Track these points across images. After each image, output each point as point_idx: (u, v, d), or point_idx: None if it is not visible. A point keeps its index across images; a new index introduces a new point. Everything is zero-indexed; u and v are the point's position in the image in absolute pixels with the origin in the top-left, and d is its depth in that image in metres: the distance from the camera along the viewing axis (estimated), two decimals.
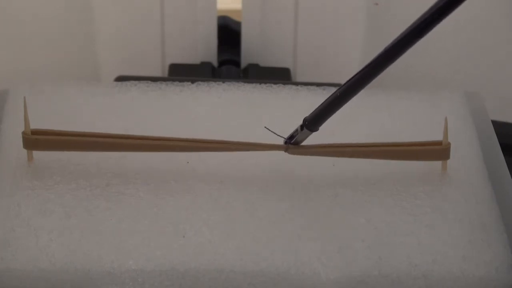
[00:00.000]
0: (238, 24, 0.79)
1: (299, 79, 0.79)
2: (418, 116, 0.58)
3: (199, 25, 0.77)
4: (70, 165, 0.52)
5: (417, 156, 0.53)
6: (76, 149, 0.52)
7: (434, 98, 0.59)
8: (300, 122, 0.51)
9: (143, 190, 0.51)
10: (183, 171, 0.53)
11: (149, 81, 0.59)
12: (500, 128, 0.59)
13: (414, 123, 0.57)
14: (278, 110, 0.58)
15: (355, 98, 0.47)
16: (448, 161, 0.53)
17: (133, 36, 0.77)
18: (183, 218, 0.50)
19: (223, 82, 0.60)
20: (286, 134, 0.52)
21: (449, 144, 0.53)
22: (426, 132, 0.54)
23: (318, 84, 0.60)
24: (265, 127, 0.52)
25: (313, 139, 0.51)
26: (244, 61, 0.79)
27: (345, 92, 0.47)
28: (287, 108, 0.58)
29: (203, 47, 0.78)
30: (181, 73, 0.76)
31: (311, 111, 0.50)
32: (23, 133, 0.52)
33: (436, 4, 0.41)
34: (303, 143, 0.52)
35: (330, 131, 0.51)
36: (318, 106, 0.49)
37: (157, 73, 0.79)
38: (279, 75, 0.76)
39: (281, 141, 0.52)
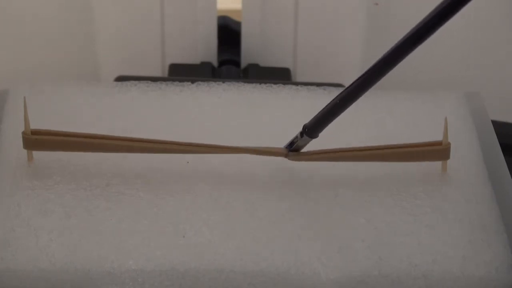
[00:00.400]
0: (238, 24, 0.79)
1: (299, 79, 0.79)
2: (418, 116, 0.58)
3: (199, 25, 0.77)
4: (70, 165, 0.52)
5: (417, 156, 0.53)
6: (76, 149, 0.52)
7: (434, 98, 0.59)
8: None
9: (143, 190, 0.51)
10: (183, 171, 0.53)
11: (149, 81, 0.59)
12: (500, 128, 0.59)
13: (414, 123, 0.57)
14: (278, 110, 0.58)
15: None
16: (448, 161, 0.53)
17: (133, 36, 0.77)
18: (183, 218, 0.50)
19: (223, 82, 0.60)
20: (286, 134, 0.52)
21: (449, 144, 0.53)
22: (426, 132, 0.54)
23: (318, 84, 0.60)
24: None
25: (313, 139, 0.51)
26: (244, 61, 0.79)
27: (344, 99, 0.47)
28: (287, 108, 0.58)
29: (203, 47, 0.78)
30: (181, 73, 0.76)
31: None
32: (23, 133, 0.52)
33: (434, 10, 0.41)
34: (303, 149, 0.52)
35: (330, 132, 0.51)
36: (318, 113, 0.49)
37: (157, 73, 0.79)
38: (279, 75, 0.76)
39: (281, 146, 0.52)
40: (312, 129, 0.50)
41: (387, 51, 0.44)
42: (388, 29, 0.77)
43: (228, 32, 0.79)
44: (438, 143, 0.53)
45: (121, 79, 0.66)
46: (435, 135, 0.53)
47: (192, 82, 0.60)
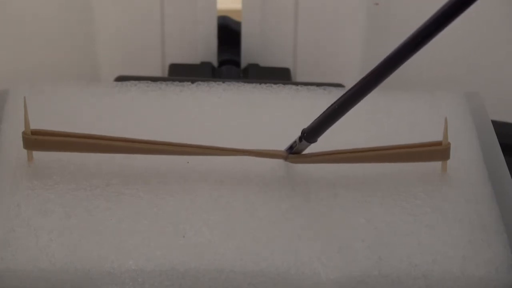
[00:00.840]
0: (238, 24, 0.79)
1: (299, 79, 0.79)
2: (418, 116, 0.58)
3: (199, 25, 0.77)
4: (70, 165, 0.52)
5: (417, 157, 0.53)
6: (76, 149, 0.52)
7: (434, 98, 0.59)
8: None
9: (143, 190, 0.51)
10: (183, 171, 0.53)
11: (149, 81, 0.59)
12: (500, 128, 0.59)
13: (414, 123, 0.57)
14: (278, 110, 0.58)
15: None
16: (448, 161, 0.53)
17: (133, 36, 0.77)
18: (183, 218, 0.50)
19: (223, 82, 0.60)
20: (286, 134, 0.52)
21: (449, 144, 0.53)
22: (426, 132, 0.54)
23: (318, 84, 0.60)
24: None
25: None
26: (244, 61, 0.79)
27: (343, 104, 0.47)
28: (287, 108, 0.58)
29: (203, 47, 0.78)
30: (181, 73, 0.76)
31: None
32: (23, 133, 0.52)
33: (431, 17, 0.41)
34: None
35: (329, 132, 0.50)
36: (316, 118, 0.49)
37: (157, 73, 0.79)
38: (279, 75, 0.76)
39: (280, 148, 0.52)
40: (311, 134, 0.50)
41: (386, 56, 0.44)
42: (388, 29, 0.77)
43: (228, 32, 0.79)
44: (438, 143, 0.53)
45: (121, 79, 0.66)
46: (435, 135, 0.53)
47: (192, 82, 0.60)
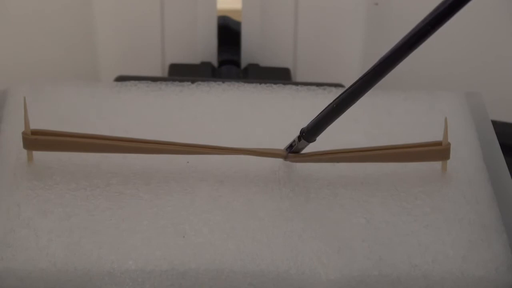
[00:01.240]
0: (238, 24, 0.79)
1: (299, 79, 0.79)
2: (418, 116, 0.58)
3: (199, 25, 0.77)
4: (70, 165, 0.52)
5: (417, 157, 0.53)
6: (76, 150, 0.52)
7: (434, 98, 0.59)
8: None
9: (143, 190, 0.51)
10: (183, 171, 0.53)
11: (149, 81, 0.59)
12: (500, 128, 0.59)
13: (414, 123, 0.57)
14: (278, 110, 0.58)
15: None
16: (448, 161, 0.53)
17: (133, 36, 0.77)
18: (183, 218, 0.50)
19: (223, 82, 0.60)
20: (286, 134, 0.52)
21: (449, 144, 0.53)
22: (426, 132, 0.55)
23: (318, 84, 0.60)
24: None
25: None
26: (244, 61, 0.79)
27: (341, 104, 0.47)
28: (287, 108, 0.58)
29: (203, 47, 0.78)
30: (181, 73, 0.76)
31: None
32: (23, 133, 0.52)
33: (427, 16, 0.41)
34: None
35: (329, 131, 0.51)
36: (315, 117, 0.49)
37: (157, 73, 0.79)
38: (279, 75, 0.76)
39: (280, 147, 0.52)
40: (310, 133, 0.50)
41: (383, 55, 0.44)
42: (388, 29, 0.77)
43: (228, 32, 0.79)
44: (438, 143, 0.53)
45: (121, 79, 0.66)
46: (435, 135, 0.53)
47: (192, 82, 0.60)
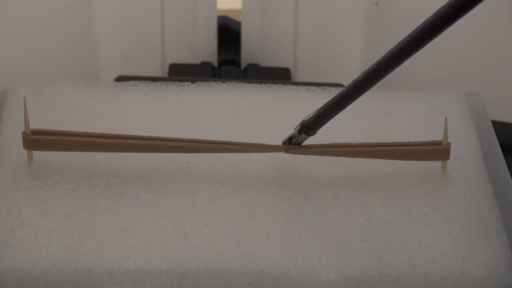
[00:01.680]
0: (238, 24, 0.79)
1: (299, 79, 0.79)
2: (418, 116, 0.58)
3: (199, 25, 0.77)
4: (70, 165, 0.52)
5: (417, 156, 0.53)
6: (76, 149, 0.52)
7: (434, 98, 0.59)
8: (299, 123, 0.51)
9: (143, 190, 0.51)
10: (183, 171, 0.53)
11: (149, 81, 0.59)
12: (500, 128, 0.59)
13: (414, 123, 0.57)
14: (278, 110, 0.58)
15: None
16: (448, 161, 0.53)
17: (133, 36, 0.77)
18: (183, 218, 0.50)
19: (223, 82, 0.60)
20: (286, 134, 0.52)
21: (449, 144, 0.53)
22: (426, 132, 0.54)
23: (318, 84, 0.60)
24: None
25: (312, 137, 0.51)
26: (244, 61, 0.79)
27: (343, 99, 0.47)
28: (287, 108, 0.58)
29: (203, 47, 0.78)
30: (181, 73, 0.76)
31: (311, 111, 0.50)
32: (23, 133, 0.52)
33: (436, 13, 0.41)
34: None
35: (329, 130, 0.51)
36: (316, 111, 0.49)
37: (157, 73, 0.79)
38: (279, 75, 0.76)
39: (280, 142, 0.52)
40: (310, 126, 0.50)
41: (387, 51, 0.44)
42: (388, 29, 0.77)
43: (228, 32, 0.79)
44: (438, 143, 0.53)
45: (121, 79, 0.66)
46: (435, 135, 0.53)
47: (192, 82, 0.60)
